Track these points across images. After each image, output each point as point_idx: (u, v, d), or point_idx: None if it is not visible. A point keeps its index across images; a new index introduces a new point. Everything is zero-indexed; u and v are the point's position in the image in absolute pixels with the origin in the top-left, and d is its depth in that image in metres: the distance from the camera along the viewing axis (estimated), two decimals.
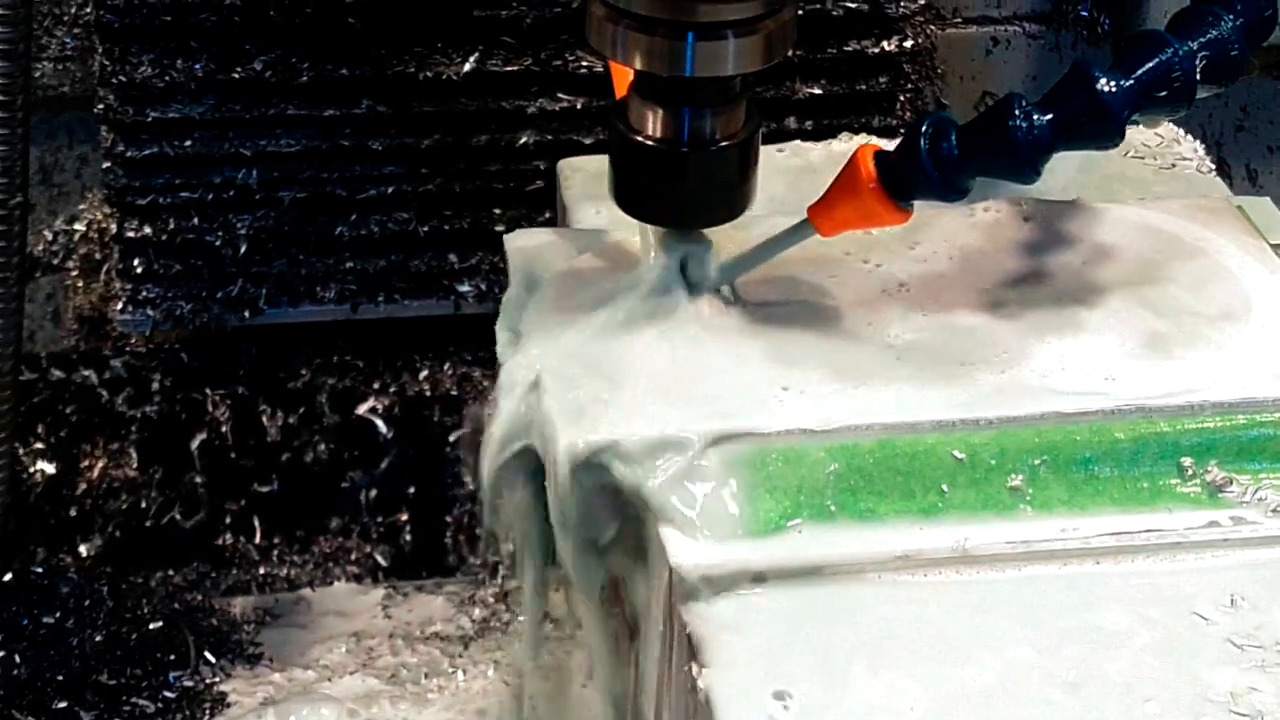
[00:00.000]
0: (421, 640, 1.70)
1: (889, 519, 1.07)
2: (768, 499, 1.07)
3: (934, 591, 1.03)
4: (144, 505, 1.76)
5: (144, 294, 1.67)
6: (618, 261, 1.24)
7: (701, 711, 0.98)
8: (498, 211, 1.67)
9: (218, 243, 1.65)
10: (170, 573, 1.74)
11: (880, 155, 1.13)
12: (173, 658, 1.65)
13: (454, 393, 1.76)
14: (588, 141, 1.64)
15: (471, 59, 1.62)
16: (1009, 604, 1.03)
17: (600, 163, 1.37)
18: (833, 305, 1.20)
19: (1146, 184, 1.37)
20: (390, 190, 1.66)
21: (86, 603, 1.66)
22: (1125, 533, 1.07)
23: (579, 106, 1.64)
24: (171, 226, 1.64)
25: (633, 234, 1.23)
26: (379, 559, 1.79)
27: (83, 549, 1.74)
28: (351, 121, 1.63)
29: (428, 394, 1.76)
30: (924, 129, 1.11)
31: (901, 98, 1.71)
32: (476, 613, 1.73)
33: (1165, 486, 1.09)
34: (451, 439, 1.77)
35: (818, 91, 1.67)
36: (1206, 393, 1.12)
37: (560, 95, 1.64)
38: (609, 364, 1.15)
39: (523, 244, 1.27)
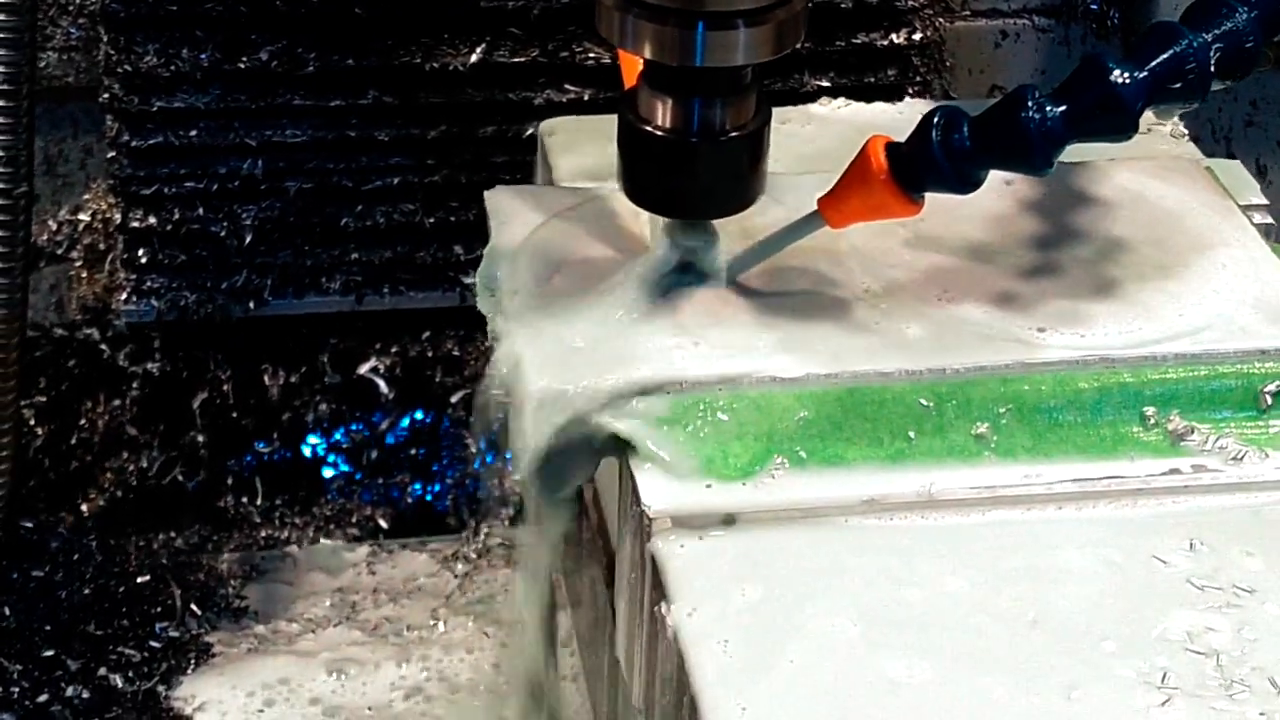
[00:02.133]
0: (405, 595, 1.73)
1: (856, 464, 1.09)
2: (738, 444, 1.09)
3: (899, 535, 1.05)
4: (144, 465, 1.76)
5: (148, 284, 1.67)
6: (600, 221, 1.25)
7: (670, 650, 1.00)
8: None
9: (223, 233, 1.65)
10: (162, 534, 1.75)
11: (891, 147, 1.12)
12: (159, 610, 1.67)
13: (455, 353, 1.77)
14: None
15: (478, 50, 1.62)
16: (973, 547, 1.04)
17: (582, 122, 1.37)
18: (821, 286, 1.21)
19: (1120, 147, 1.38)
20: (396, 181, 1.66)
21: (75, 557, 1.67)
22: (1087, 479, 1.09)
23: (586, 98, 1.64)
24: (176, 217, 1.64)
25: (614, 193, 1.24)
26: (379, 520, 1.80)
27: (84, 508, 1.75)
28: (358, 112, 1.63)
29: (429, 355, 1.76)
30: (936, 120, 1.10)
31: (910, 91, 1.70)
32: (459, 568, 1.76)
33: (1128, 434, 1.12)
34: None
35: (826, 84, 1.66)
36: (1170, 345, 1.15)
37: (567, 86, 1.64)
38: (591, 334, 1.16)
39: (504, 200, 1.27)
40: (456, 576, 1.75)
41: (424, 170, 1.66)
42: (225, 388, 1.74)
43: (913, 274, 1.21)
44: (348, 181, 1.65)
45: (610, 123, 1.36)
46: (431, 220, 1.68)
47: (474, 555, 1.77)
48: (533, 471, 1.13)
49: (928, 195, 1.13)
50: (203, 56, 1.58)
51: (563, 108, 1.64)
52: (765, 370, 1.12)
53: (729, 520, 1.06)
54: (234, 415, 1.75)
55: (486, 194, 1.29)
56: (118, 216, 1.65)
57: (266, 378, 1.75)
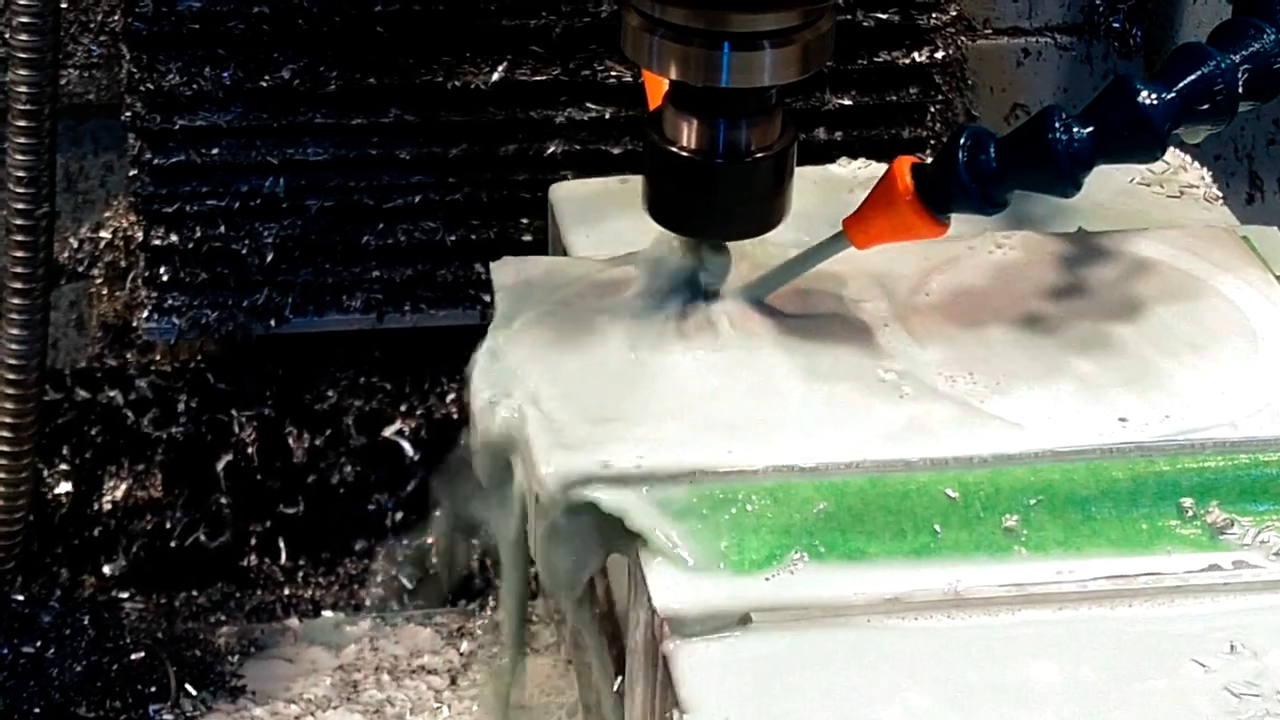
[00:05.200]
0: (408, 674, 1.68)
1: (879, 560, 1.04)
2: (754, 538, 1.04)
3: (925, 635, 1.00)
4: (169, 526, 1.75)
5: (169, 302, 1.66)
6: (609, 290, 1.22)
7: None
8: (525, 221, 1.67)
9: (244, 251, 1.65)
10: (155, 599, 1.72)
11: (917, 167, 1.12)
12: (153, 690, 1.62)
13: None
14: (616, 151, 1.63)
15: (500, 68, 1.61)
16: (1002, 650, 0.99)
17: (590, 187, 1.35)
18: (842, 335, 1.18)
19: (1152, 212, 1.34)
20: (417, 199, 1.66)
21: (67, 632, 1.62)
22: (1123, 576, 1.04)
23: (607, 116, 1.64)
24: (198, 235, 1.64)
25: (624, 261, 1.22)
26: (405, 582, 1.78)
27: (107, 569, 1.73)
28: (379, 130, 1.62)
29: (455, 417, 1.75)
30: (962, 141, 1.10)
31: (932, 109, 1.70)
32: (465, 645, 1.71)
33: (1165, 528, 1.06)
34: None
35: (848, 103, 1.66)
36: (1209, 431, 1.10)
37: (589, 105, 1.64)
38: (607, 389, 1.13)
39: (511, 273, 1.25)
40: (462, 654, 1.70)
41: (445, 188, 1.65)
42: (249, 450, 1.74)
43: (936, 355, 1.16)
44: (369, 200, 1.65)
45: (623, 187, 1.35)
46: (453, 238, 1.67)
47: (479, 631, 1.72)
48: (540, 561, 1.09)
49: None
50: (225, 75, 1.58)
51: (583, 126, 1.64)
52: (783, 459, 1.07)
53: (745, 620, 1.01)
54: (258, 477, 1.75)
55: (492, 266, 1.26)
56: (139, 234, 1.65)
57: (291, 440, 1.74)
